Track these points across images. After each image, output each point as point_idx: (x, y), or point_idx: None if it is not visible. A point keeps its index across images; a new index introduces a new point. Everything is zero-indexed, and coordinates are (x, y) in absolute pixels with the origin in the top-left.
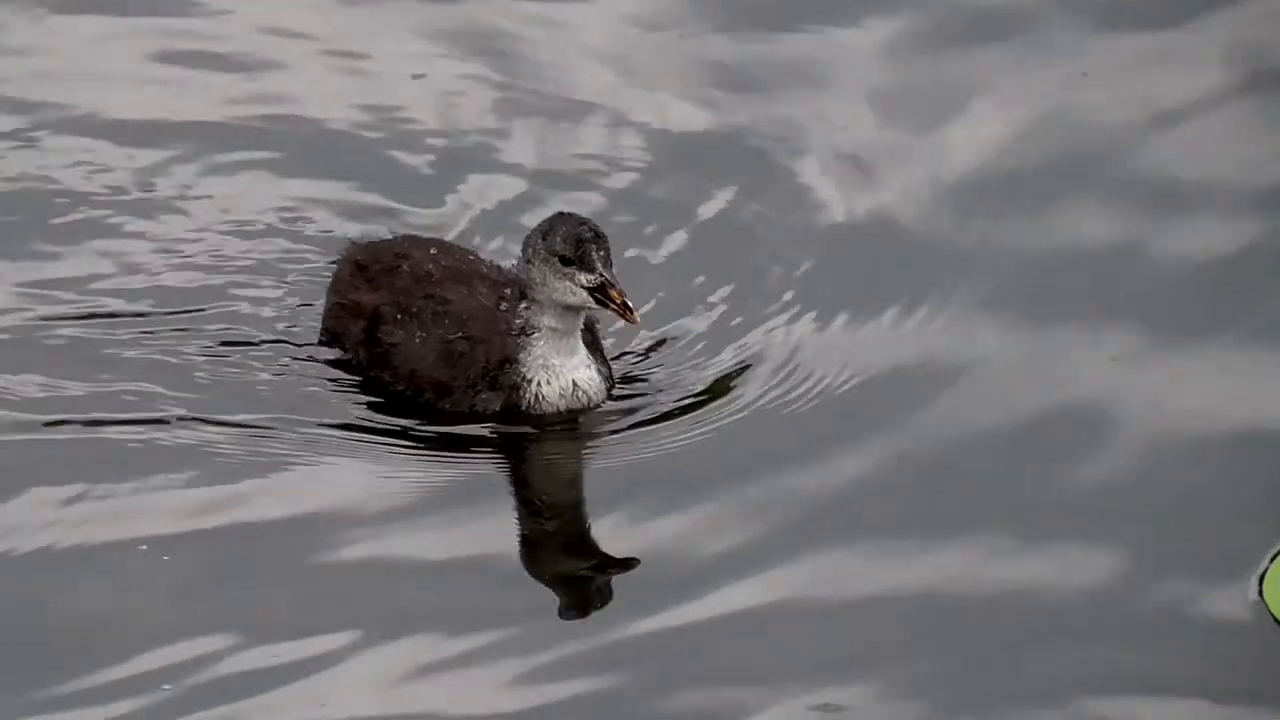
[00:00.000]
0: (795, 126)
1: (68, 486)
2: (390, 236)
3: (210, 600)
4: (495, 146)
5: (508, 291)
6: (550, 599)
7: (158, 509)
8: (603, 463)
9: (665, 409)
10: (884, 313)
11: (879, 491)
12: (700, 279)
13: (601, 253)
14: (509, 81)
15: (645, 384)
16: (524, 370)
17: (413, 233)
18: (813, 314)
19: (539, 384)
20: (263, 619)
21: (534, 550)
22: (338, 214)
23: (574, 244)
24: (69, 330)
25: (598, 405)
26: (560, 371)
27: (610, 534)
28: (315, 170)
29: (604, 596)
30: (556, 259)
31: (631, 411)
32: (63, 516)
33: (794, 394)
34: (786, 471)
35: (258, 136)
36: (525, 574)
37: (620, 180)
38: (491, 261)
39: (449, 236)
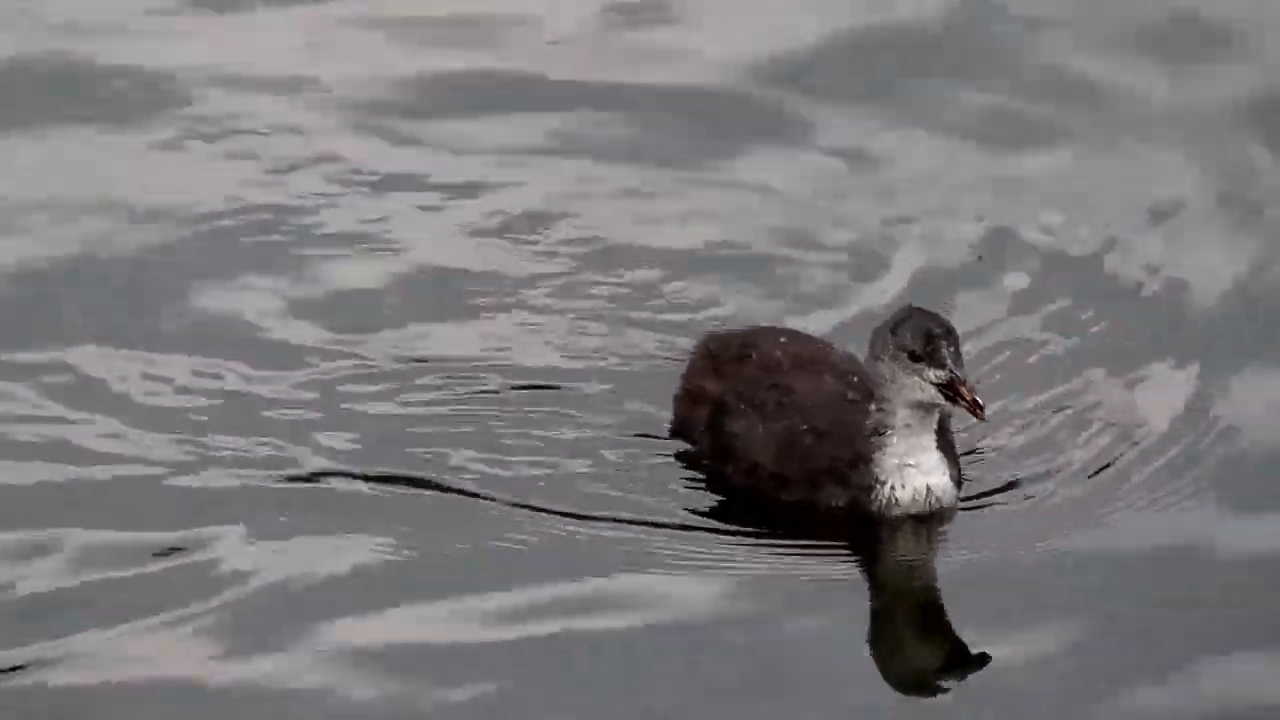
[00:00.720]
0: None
1: (404, 565)
2: (747, 327)
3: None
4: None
5: (855, 380)
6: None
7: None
8: (950, 562)
9: (1017, 507)
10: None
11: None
12: (1060, 374)
13: (951, 348)
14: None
15: (995, 480)
16: (878, 472)
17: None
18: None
19: (893, 487)
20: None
21: (882, 647)
22: (699, 301)
23: (923, 339)
24: (414, 402)
25: (949, 509)
26: (914, 476)
27: (959, 636)
28: (678, 257)
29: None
30: (905, 355)
31: (981, 510)
32: (414, 614)
33: (1152, 494)
34: (1146, 576)
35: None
36: (870, 672)
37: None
38: (845, 352)
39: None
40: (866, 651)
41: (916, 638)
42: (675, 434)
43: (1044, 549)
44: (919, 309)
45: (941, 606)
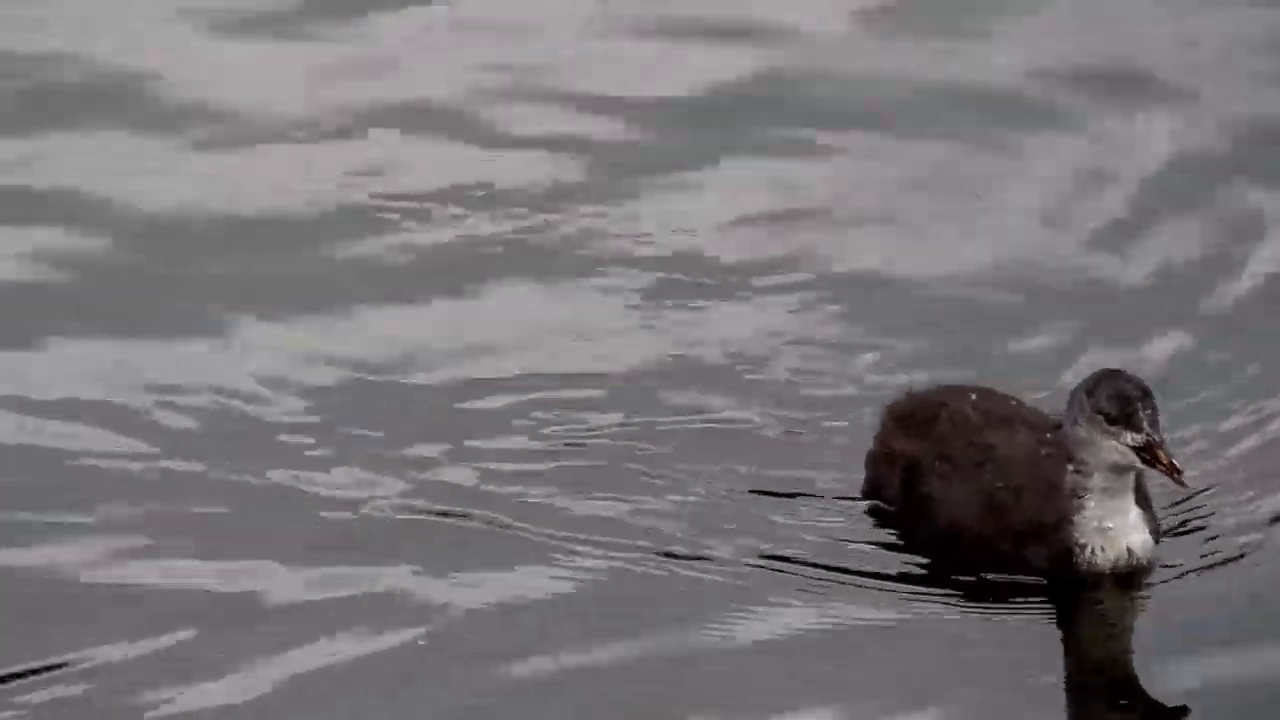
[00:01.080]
0: None
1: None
2: (931, 389)
3: None
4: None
5: (1048, 435)
6: None
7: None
8: (1153, 615)
9: (1217, 558)
10: None
11: None
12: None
13: (1149, 411)
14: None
15: (1195, 529)
16: (1077, 535)
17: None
18: None
19: (1093, 550)
20: None
21: (1083, 706)
22: (888, 363)
23: (1120, 403)
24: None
25: (1150, 562)
26: (1115, 537)
27: (1163, 690)
28: (865, 316)
29: None
30: (1102, 418)
31: (1183, 561)
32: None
33: None
34: None
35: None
36: None
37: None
38: (1034, 408)
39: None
40: (1067, 707)
41: (1117, 694)
42: (868, 495)
43: (1247, 601)
44: (1115, 371)
45: (1142, 661)
